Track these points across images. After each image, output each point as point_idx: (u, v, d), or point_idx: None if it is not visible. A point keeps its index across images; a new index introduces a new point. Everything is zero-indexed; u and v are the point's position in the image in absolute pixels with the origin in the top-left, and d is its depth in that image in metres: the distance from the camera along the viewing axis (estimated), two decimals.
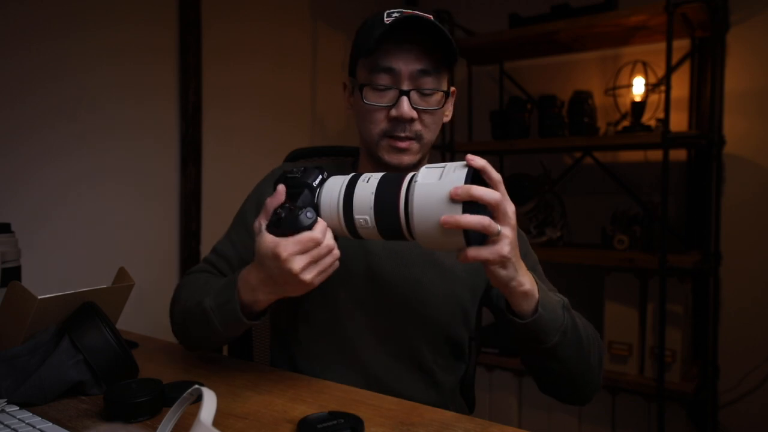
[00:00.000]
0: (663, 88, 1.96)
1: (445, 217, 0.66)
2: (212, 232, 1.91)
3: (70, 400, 0.79)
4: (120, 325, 0.97)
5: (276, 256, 0.72)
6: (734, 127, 2.12)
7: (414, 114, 0.87)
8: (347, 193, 0.74)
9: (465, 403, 1.07)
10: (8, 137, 1.45)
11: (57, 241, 1.55)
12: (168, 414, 0.59)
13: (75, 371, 0.78)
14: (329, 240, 0.74)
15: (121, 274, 0.95)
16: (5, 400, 0.74)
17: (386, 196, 0.72)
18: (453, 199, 0.66)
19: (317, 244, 0.72)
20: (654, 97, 2.18)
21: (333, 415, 0.71)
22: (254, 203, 1.02)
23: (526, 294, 0.75)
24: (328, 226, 0.75)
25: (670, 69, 1.85)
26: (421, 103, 0.89)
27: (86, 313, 0.83)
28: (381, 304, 0.93)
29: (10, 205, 1.44)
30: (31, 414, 0.71)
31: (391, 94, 0.88)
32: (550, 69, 2.50)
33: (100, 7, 1.62)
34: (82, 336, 0.80)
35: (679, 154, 2.21)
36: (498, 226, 0.68)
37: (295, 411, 0.76)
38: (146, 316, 1.68)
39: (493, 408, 2.31)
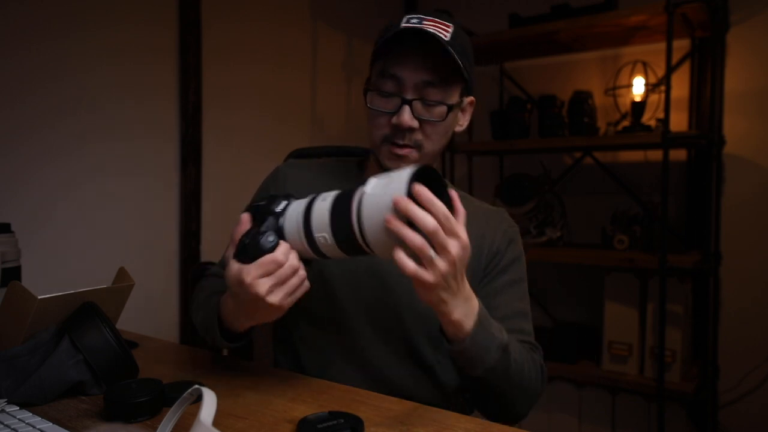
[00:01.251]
0: (663, 88, 1.96)
1: (389, 216, 0.65)
2: (212, 232, 1.91)
3: (70, 400, 0.78)
4: (120, 325, 0.97)
5: (241, 282, 0.72)
6: (734, 127, 2.12)
7: (414, 124, 0.86)
8: (306, 213, 0.73)
9: (465, 403, 1.07)
10: (8, 137, 1.45)
11: (57, 241, 1.55)
12: (168, 414, 0.59)
13: (75, 371, 0.78)
14: (293, 261, 0.73)
15: (121, 274, 0.95)
16: (5, 400, 0.74)
17: (340, 209, 0.71)
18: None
19: (279, 265, 0.71)
20: (654, 97, 2.18)
21: (333, 415, 0.70)
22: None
23: (453, 323, 0.74)
24: (295, 249, 0.74)
25: (670, 69, 1.85)
26: (424, 114, 0.87)
27: (86, 313, 0.83)
28: (384, 301, 0.93)
29: (10, 205, 1.44)
30: (31, 414, 0.71)
31: (395, 101, 0.87)
32: (550, 69, 2.49)
33: (100, 7, 1.62)
34: (82, 336, 0.80)
35: (679, 154, 2.21)
36: (432, 253, 0.66)
37: (295, 411, 0.76)
38: (146, 316, 1.68)
39: None
